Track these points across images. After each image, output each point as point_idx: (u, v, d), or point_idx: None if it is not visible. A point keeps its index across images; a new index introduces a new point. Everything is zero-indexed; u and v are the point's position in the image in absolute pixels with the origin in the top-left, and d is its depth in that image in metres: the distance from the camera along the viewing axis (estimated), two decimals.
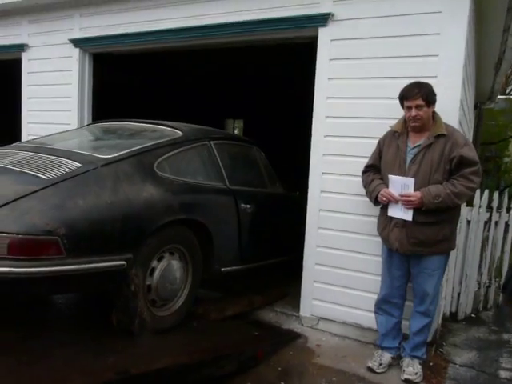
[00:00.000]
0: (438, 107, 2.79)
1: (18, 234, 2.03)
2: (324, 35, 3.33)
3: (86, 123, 4.71)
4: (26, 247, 2.04)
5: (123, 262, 2.40)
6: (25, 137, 5.12)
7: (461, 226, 3.64)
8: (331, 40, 3.31)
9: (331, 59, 3.31)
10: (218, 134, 3.51)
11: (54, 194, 2.27)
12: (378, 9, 3.14)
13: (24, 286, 2.13)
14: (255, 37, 3.71)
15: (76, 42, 4.60)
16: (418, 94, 2.60)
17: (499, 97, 9.41)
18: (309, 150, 3.42)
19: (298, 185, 4.29)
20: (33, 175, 2.40)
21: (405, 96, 2.66)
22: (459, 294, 3.80)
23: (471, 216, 3.72)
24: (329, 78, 3.32)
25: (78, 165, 2.50)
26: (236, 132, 12.50)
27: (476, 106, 7.41)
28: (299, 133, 4.97)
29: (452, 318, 3.80)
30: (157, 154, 2.85)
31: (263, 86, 8.70)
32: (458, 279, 3.78)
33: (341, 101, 3.29)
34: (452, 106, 2.96)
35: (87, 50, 4.67)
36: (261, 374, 2.81)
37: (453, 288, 3.75)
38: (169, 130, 3.19)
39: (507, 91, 13.65)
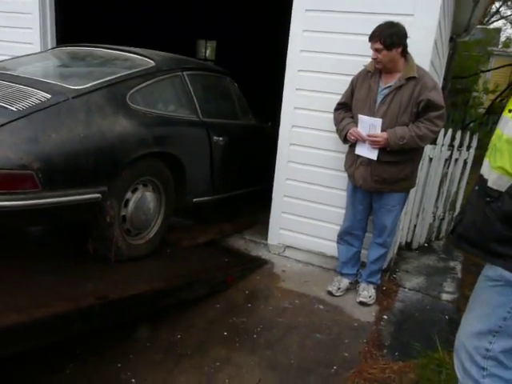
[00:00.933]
0: (412, 46, 2.82)
1: None
2: None
3: (49, 43, 4.47)
4: (1, 181, 2.06)
5: (98, 195, 2.46)
6: None
7: (423, 164, 3.84)
8: None
9: None
10: (191, 64, 3.43)
11: (26, 127, 2.24)
12: None
13: (1, 219, 2.18)
14: None
15: None
16: (377, 38, 2.63)
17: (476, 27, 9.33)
18: (282, 81, 3.41)
19: (271, 114, 4.32)
20: (0, 106, 2.33)
21: (369, 37, 2.68)
22: (415, 226, 4.09)
23: (433, 154, 3.90)
24: (306, 10, 3.24)
25: (48, 96, 2.43)
26: (208, 53, 12.03)
27: (451, 39, 7.37)
28: (273, 59, 4.88)
29: (407, 247, 4.13)
30: (129, 86, 2.79)
31: (237, 8, 8.27)
32: (416, 212, 4.05)
33: (316, 34, 3.24)
34: (426, 46, 2.98)
35: None
36: (230, 297, 3.05)
37: (410, 220, 4.02)
38: (140, 59, 3.09)
39: (484, 21, 13.52)
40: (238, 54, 9.41)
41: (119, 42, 7.89)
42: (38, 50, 4.37)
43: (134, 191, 2.79)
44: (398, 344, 2.73)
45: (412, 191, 3.70)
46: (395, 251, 3.71)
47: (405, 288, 3.41)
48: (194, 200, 3.39)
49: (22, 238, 2.86)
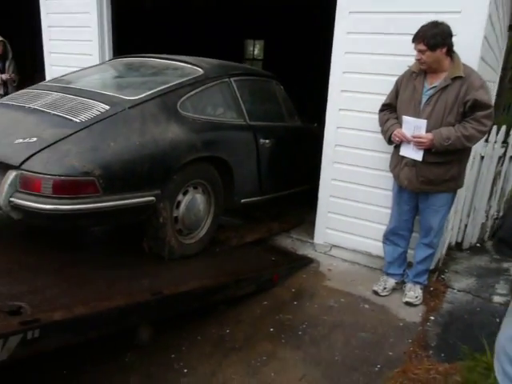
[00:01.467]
0: (460, 43, 2.79)
1: (60, 175, 2.26)
2: None
3: (106, 54, 4.77)
4: (67, 187, 2.28)
5: (152, 198, 2.65)
6: (48, 67, 5.22)
7: (473, 162, 3.75)
8: None
9: None
10: (238, 70, 3.56)
11: (88, 137, 2.46)
12: None
13: (67, 221, 2.41)
14: None
15: None
16: (420, 39, 2.62)
17: None
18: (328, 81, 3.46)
19: (317, 114, 4.36)
20: (66, 118, 2.57)
21: (412, 38, 2.67)
22: (466, 226, 4.00)
23: (485, 151, 3.79)
24: (350, 12, 3.27)
25: (107, 107, 2.65)
26: (256, 52, 12.18)
27: (510, 27, 7.02)
28: (320, 59, 4.90)
29: (457, 247, 4.04)
30: (179, 94, 2.96)
31: (285, 9, 8.35)
32: (467, 212, 3.96)
33: (361, 36, 3.26)
34: (474, 43, 2.93)
35: None
36: (276, 294, 3.16)
37: (460, 220, 3.94)
38: (190, 68, 3.26)
39: None
40: (285, 53, 9.48)
41: (172, 44, 8.24)
42: (97, 60, 4.69)
43: (185, 193, 2.97)
44: (444, 345, 2.72)
45: (461, 190, 3.64)
46: (444, 251, 3.66)
47: (454, 289, 3.36)
48: (242, 201, 3.53)
49: (86, 237, 3.12)
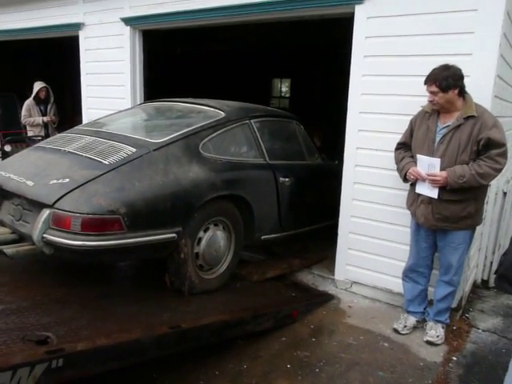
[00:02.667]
0: (473, 84, 2.87)
1: (88, 214, 2.44)
2: (360, 12, 3.39)
3: (138, 97, 5.09)
4: (94, 225, 2.46)
5: (174, 235, 2.79)
6: (85, 110, 5.59)
7: (496, 198, 3.72)
8: (367, 18, 3.37)
9: (367, 37, 3.38)
10: (258, 112, 3.73)
11: (115, 178, 2.66)
12: None
13: (93, 256, 2.58)
14: (297, 13, 3.78)
15: (127, 21, 4.88)
16: (432, 81, 2.72)
17: None
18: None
19: (338, 151, 4.45)
20: (96, 160, 2.79)
21: (424, 81, 2.77)
22: (491, 263, 3.92)
23: (508, 188, 3.77)
24: (364, 56, 3.41)
25: (134, 150, 2.86)
26: (284, 90, 12.53)
27: None
28: (341, 98, 5.04)
29: (483, 285, 3.95)
30: (202, 136, 3.14)
31: (311, 49, 8.67)
32: (492, 249, 3.89)
33: (376, 78, 3.39)
34: (486, 83, 2.99)
35: (137, 28, 4.94)
36: (295, 330, 3.18)
37: (485, 257, 3.88)
38: (212, 111, 3.46)
39: None
40: (311, 91, 9.74)
41: (202, 84, 8.62)
42: (129, 103, 5.01)
43: (205, 230, 3.10)
44: None
45: (485, 227, 3.62)
46: (467, 289, 3.59)
47: (478, 329, 3.29)
48: (263, 237, 3.62)
49: (111, 271, 3.28)
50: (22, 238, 2.89)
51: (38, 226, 2.50)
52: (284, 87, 12.47)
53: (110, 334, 2.18)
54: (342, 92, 5.14)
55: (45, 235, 2.49)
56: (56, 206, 2.50)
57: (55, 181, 2.65)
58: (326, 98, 9.13)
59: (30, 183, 2.71)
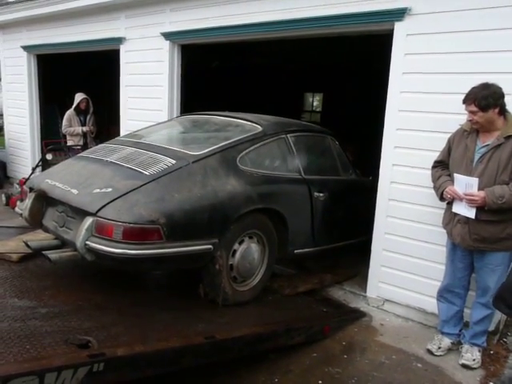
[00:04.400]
0: None
1: (129, 223, 2.52)
2: (400, 29, 3.41)
3: (175, 109, 5.23)
4: (135, 234, 2.53)
5: (210, 246, 2.83)
6: (123, 121, 5.77)
7: None
8: (407, 35, 3.38)
9: (406, 54, 3.40)
10: (294, 127, 3.77)
11: (155, 189, 2.73)
12: (456, 2, 3.15)
13: (133, 264, 2.64)
14: (336, 30, 3.84)
15: (167, 36, 5.04)
16: (471, 100, 2.68)
17: None
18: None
19: (374, 167, 4.44)
20: (137, 171, 2.88)
21: (463, 100, 2.74)
22: None
23: None
24: (403, 73, 3.42)
25: (173, 161, 2.94)
26: (315, 104, 12.57)
27: None
28: (374, 113, 5.04)
29: None
30: (239, 150, 3.20)
31: (343, 64, 8.71)
32: None
33: (414, 95, 3.39)
34: None
35: (176, 42, 5.09)
36: (326, 346, 3.17)
37: None
38: (250, 125, 3.52)
39: None
40: (343, 106, 9.73)
41: (236, 97, 8.77)
42: (166, 115, 5.15)
43: (240, 243, 3.13)
44: None
45: None
46: None
47: None
48: (296, 251, 3.63)
49: (148, 280, 3.36)
50: (64, 243, 3.01)
51: (81, 234, 2.59)
52: (315, 101, 12.51)
53: (147, 342, 2.24)
54: (375, 107, 5.17)
55: (87, 242, 2.58)
56: (99, 214, 2.59)
57: (98, 190, 2.75)
58: (357, 112, 9.10)
59: (74, 191, 2.82)
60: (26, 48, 7.06)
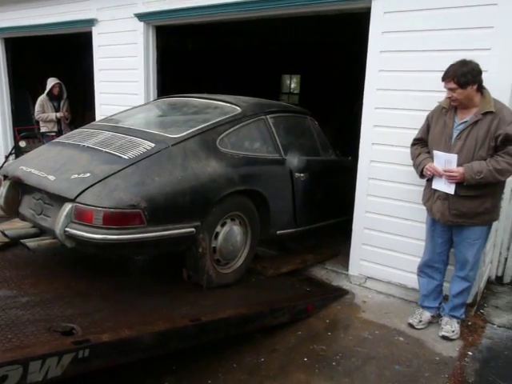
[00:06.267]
0: (491, 79, 2.86)
1: (109, 208, 2.47)
2: (377, 7, 3.39)
3: (151, 93, 5.12)
4: (115, 219, 2.49)
5: (192, 229, 2.82)
6: (98, 106, 5.63)
7: None
8: (384, 12, 3.36)
9: (383, 32, 3.38)
10: (273, 108, 3.75)
11: (134, 172, 2.69)
12: None
13: (114, 249, 2.61)
14: (312, 8, 3.80)
15: (140, 17, 4.90)
16: (450, 78, 2.70)
17: None
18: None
19: (353, 147, 4.47)
20: (115, 155, 2.82)
21: (442, 77, 2.76)
22: (506, 259, 3.92)
23: None
24: (381, 51, 3.41)
25: (152, 145, 2.89)
26: (293, 86, 12.54)
27: None
28: (353, 94, 5.05)
29: (498, 281, 3.95)
30: (218, 131, 3.16)
31: (320, 45, 8.66)
32: (506, 245, 3.89)
33: (392, 73, 3.39)
34: (505, 78, 2.98)
35: (150, 24, 4.97)
36: (311, 324, 3.21)
37: (500, 253, 3.88)
38: (228, 106, 3.48)
39: None
40: (320, 87, 9.72)
41: (212, 81, 8.64)
42: (143, 99, 5.05)
43: (223, 225, 3.12)
44: (482, 382, 2.66)
45: (500, 222, 3.61)
46: (482, 285, 3.60)
47: (493, 324, 3.29)
48: (278, 232, 3.64)
49: (130, 265, 3.32)
50: (42, 231, 2.94)
51: (60, 220, 2.54)
52: (293, 83, 12.46)
53: (132, 326, 2.22)
54: (352, 88, 5.19)
55: (67, 229, 2.53)
56: (78, 200, 2.53)
57: (76, 175, 2.68)
58: (335, 94, 9.11)
59: (51, 178, 2.74)
60: None
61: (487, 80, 2.83)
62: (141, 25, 4.96)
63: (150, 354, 2.28)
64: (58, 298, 2.46)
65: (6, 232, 3.00)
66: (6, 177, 3.10)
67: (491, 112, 2.71)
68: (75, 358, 1.87)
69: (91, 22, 5.41)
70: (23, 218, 3.03)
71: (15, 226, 3.28)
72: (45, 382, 1.78)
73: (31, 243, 2.66)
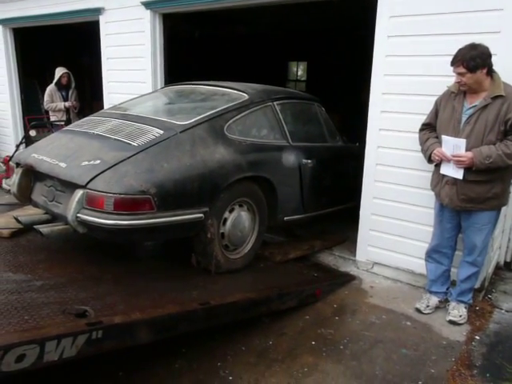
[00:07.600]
0: (501, 63, 2.84)
1: (120, 194, 2.51)
2: None
3: (158, 81, 5.14)
4: (126, 204, 2.53)
5: (201, 215, 2.85)
6: (106, 95, 5.66)
7: None
8: None
9: (391, 16, 3.36)
10: (280, 94, 3.75)
11: (144, 159, 2.72)
12: None
13: (125, 235, 2.66)
14: None
15: (147, 4, 4.90)
16: (459, 62, 2.67)
17: None
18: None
19: (361, 134, 4.46)
20: (125, 142, 2.85)
21: (451, 62, 2.73)
22: None
23: None
24: (388, 36, 3.39)
25: (161, 132, 2.91)
26: (299, 73, 12.46)
27: None
28: (361, 80, 5.02)
29: (506, 266, 3.96)
30: (226, 118, 3.18)
31: (327, 31, 8.58)
32: None
33: (400, 58, 3.37)
34: None
35: (157, 11, 4.96)
36: (318, 309, 3.25)
37: (509, 239, 3.87)
38: (236, 93, 3.49)
39: None
40: (328, 73, 9.65)
41: (219, 68, 8.62)
42: (150, 87, 5.06)
43: (231, 211, 3.16)
44: (489, 365, 2.69)
45: (509, 208, 3.60)
46: (490, 270, 3.60)
47: (501, 309, 3.30)
48: (286, 218, 3.67)
49: (141, 250, 3.37)
50: (54, 218, 2.99)
51: (71, 206, 2.58)
52: (300, 70, 12.37)
53: (143, 309, 2.27)
54: (360, 74, 5.15)
55: (79, 215, 2.57)
56: (89, 186, 2.58)
57: (87, 162, 2.72)
58: (343, 81, 9.04)
59: (62, 165, 2.79)
60: (1, 21, 6.81)
61: (496, 63, 2.80)
62: (148, 13, 4.95)
63: (161, 337, 2.33)
64: (72, 282, 2.51)
65: (20, 218, 3.06)
66: (18, 164, 3.15)
67: (501, 96, 2.69)
68: (89, 338, 1.92)
69: (98, 11, 5.41)
70: (35, 205, 3.09)
71: (28, 213, 3.35)
72: (60, 361, 1.84)
73: (44, 229, 2.70)
